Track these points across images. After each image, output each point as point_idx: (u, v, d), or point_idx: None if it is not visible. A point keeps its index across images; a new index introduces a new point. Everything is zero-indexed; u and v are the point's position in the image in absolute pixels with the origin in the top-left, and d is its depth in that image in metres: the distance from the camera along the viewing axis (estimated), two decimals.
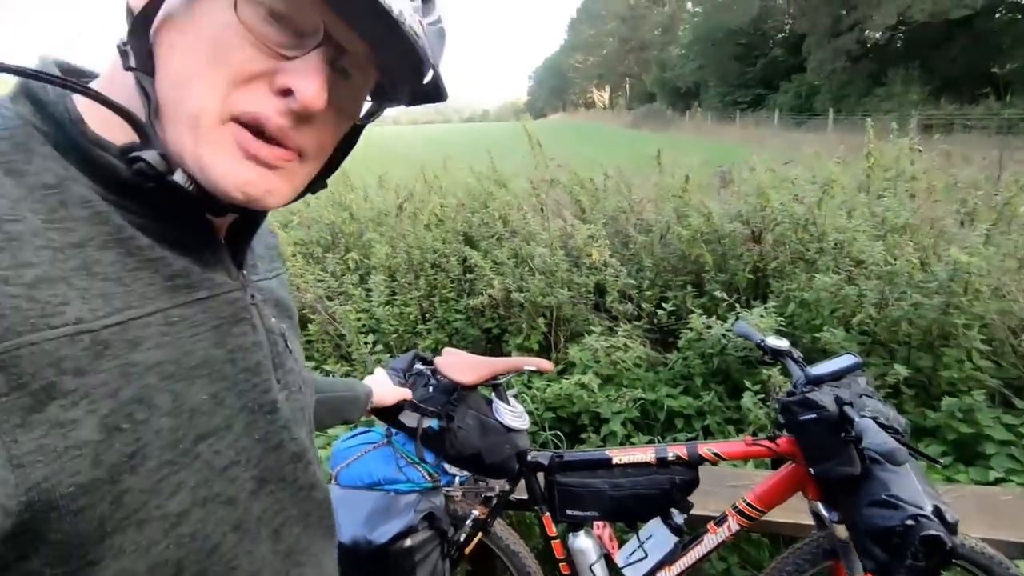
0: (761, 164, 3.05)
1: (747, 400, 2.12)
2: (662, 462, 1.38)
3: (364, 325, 2.82)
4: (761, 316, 2.19)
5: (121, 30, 0.40)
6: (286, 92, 0.40)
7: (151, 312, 0.39)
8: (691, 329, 2.38)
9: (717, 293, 2.51)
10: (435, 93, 0.47)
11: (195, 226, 0.45)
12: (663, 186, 3.15)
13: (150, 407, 0.38)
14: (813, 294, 2.32)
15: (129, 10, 0.39)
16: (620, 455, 1.41)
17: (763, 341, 1.45)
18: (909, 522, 0.99)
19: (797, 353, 1.41)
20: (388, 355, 2.76)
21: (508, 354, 2.72)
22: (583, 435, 2.31)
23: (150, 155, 0.38)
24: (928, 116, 14.13)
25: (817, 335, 2.21)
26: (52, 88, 0.39)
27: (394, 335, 2.83)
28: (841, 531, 1.24)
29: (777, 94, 26.41)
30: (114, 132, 0.39)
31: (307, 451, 0.54)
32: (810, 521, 1.34)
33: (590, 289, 2.71)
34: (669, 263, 2.83)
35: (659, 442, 2.25)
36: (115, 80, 0.40)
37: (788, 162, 3.08)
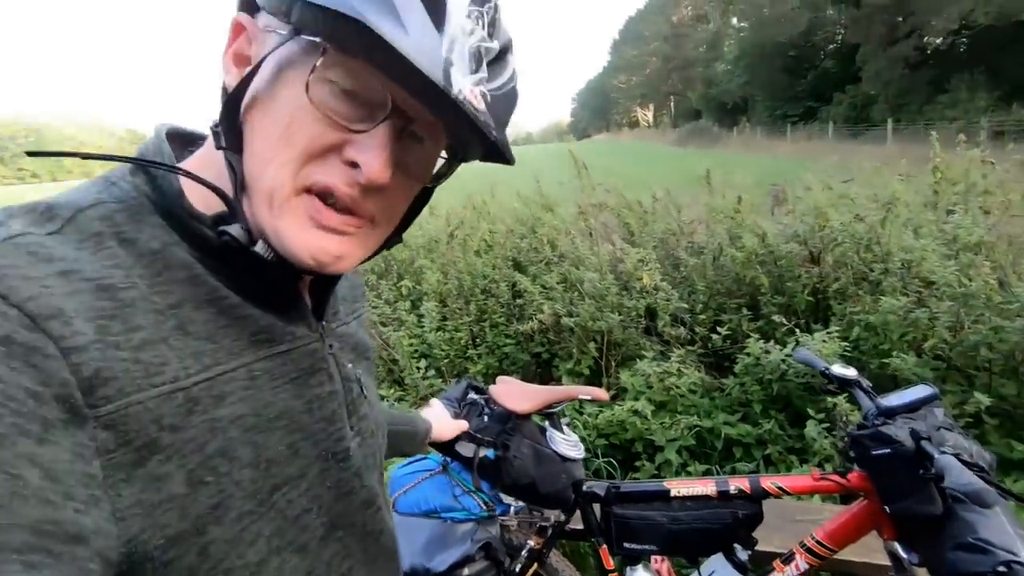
0: (818, 182, 2.96)
1: (811, 429, 2.03)
2: (723, 495, 1.33)
3: (416, 350, 2.88)
4: (823, 341, 2.10)
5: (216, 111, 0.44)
6: (355, 164, 0.42)
7: (236, 367, 0.42)
8: (748, 354, 2.30)
9: (775, 317, 2.43)
10: (500, 154, 0.48)
11: (279, 284, 0.47)
12: (714, 207, 3.09)
13: (232, 459, 0.40)
14: (880, 317, 2.21)
15: (224, 89, 0.43)
16: (679, 487, 1.37)
17: (828, 369, 1.38)
18: (1001, 568, 0.92)
19: (866, 382, 1.34)
20: (440, 380, 2.80)
21: (558, 379, 2.71)
22: (637, 463, 2.26)
23: (234, 229, 0.42)
24: (998, 123, 13.33)
25: (886, 361, 2.09)
26: (164, 156, 0.44)
27: (445, 360, 2.88)
28: (922, 574, 1.16)
29: (830, 106, 25.56)
30: (210, 203, 0.43)
31: (377, 497, 0.55)
32: (885, 561, 1.26)
33: (641, 313, 2.68)
34: (723, 286, 2.77)
35: (717, 472, 2.17)
36: (212, 156, 0.44)
37: (847, 181, 2.97)
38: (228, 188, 0.43)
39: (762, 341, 2.29)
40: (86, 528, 0.32)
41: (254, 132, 0.42)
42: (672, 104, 57.45)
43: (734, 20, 37.54)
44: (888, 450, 1.10)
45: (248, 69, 0.42)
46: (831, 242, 2.53)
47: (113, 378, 0.35)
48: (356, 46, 0.38)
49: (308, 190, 0.42)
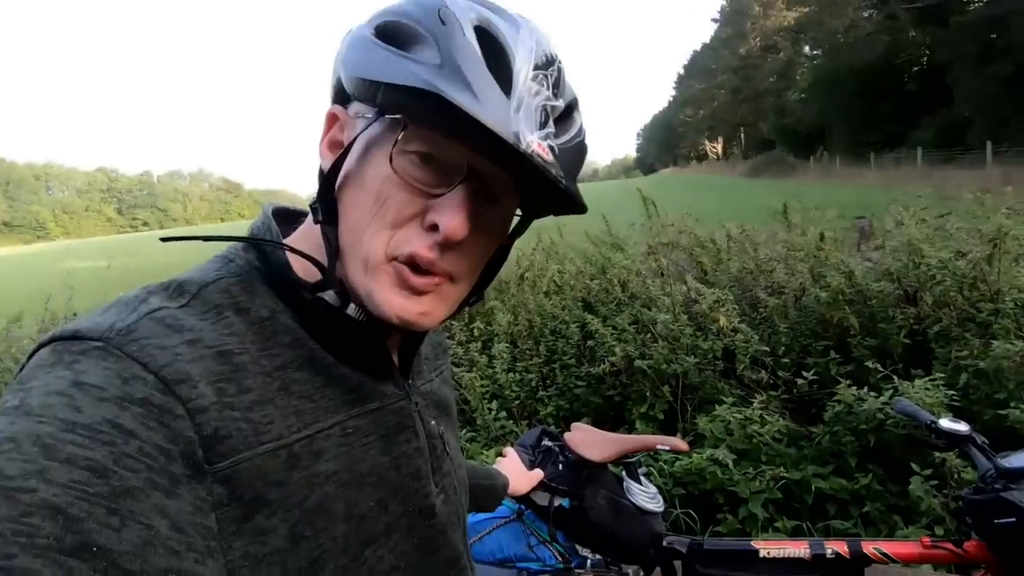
0: (910, 215, 2.76)
1: (916, 487, 1.85)
2: (819, 559, 1.23)
3: (487, 391, 2.90)
4: (926, 389, 1.93)
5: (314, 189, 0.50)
6: (435, 227, 0.45)
7: (331, 425, 0.45)
8: (839, 401, 2.15)
9: (868, 361, 2.26)
10: (572, 204, 0.50)
11: (369, 345, 0.50)
12: (793, 244, 2.96)
13: (328, 515, 0.43)
14: (992, 363, 2.00)
15: (320, 171, 0.49)
16: (768, 547, 1.28)
17: (935, 423, 1.27)
18: None
19: (980, 438, 1.21)
20: (510, 421, 2.80)
21: (632, 423, 2.64)
22: (719, 515, 2.14)
23: (328, 295, 0.46)
24: None
25: (1002, 412, 1.89)
26: (271, 233, 0.49)
27: (516, 402, 2.88)
28: None
29: (918, 130, 24.01)
30: (312, 272, 0.48)
31: (461, 556, 0.56)
32: None
33: (718, 355, 2.58)
34: (807, 327, 2.62)
35: (809, 530, 2.01)
36: (312, 229, 0.49)
37: (945, 214, 2.76)
38: (324, 258, 0.47)
39: (854, 387, 2.13)
40: None
41: (347, 206, 0.47)
42: (742, 135, 56.11)
43: (806, 48, 36.49)
44: (1014, 519, 0.99)
45: (340, 151, 0.47)
46: (929, 280, 2.35)
47: (228, 436, 0.38)
48: (433, 117, 0.42)
49: (395, 259, 0.46)
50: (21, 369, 0.38)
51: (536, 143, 0.43)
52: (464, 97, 0.40)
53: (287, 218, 0.56)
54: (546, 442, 1.46)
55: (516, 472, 1.21)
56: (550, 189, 0.45)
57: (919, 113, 24.67)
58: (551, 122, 0.45)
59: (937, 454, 1.84)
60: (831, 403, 2.20)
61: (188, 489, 0.35)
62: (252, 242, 0.49)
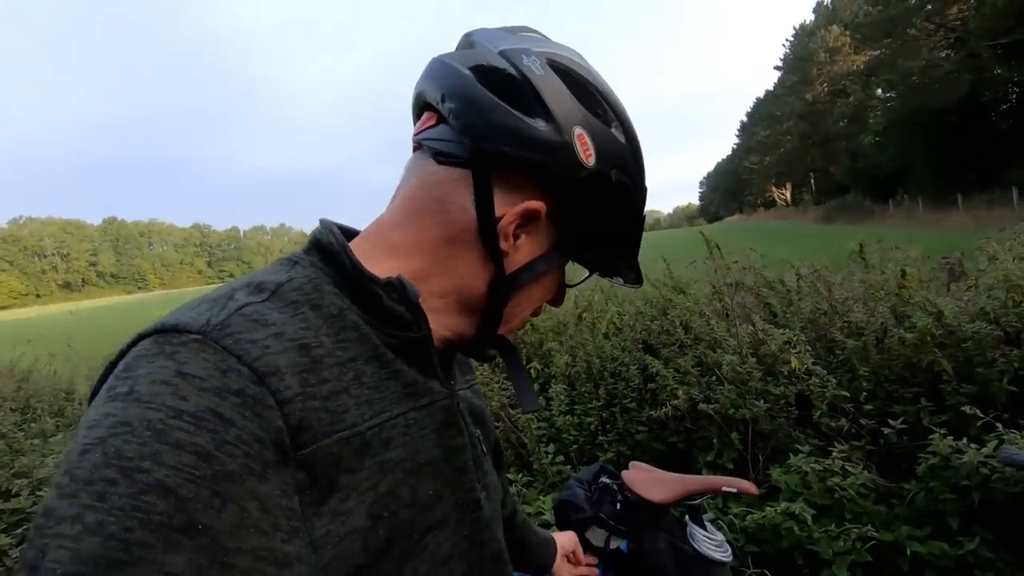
0: (1006, 250, 2.54)
1: None
2: None
3: (545, 434, 2.83)
4: None
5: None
6: (551, 301, 0.65)
7: (396, 415, 0.48)
8: (933, 453, 1.93)
9: (965, 408, 2.04)
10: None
11: (421, 343, 0.52)
12: (872, 283, 2.77)
13: (397, 499, 0.45)
14: None
15: (490, 236, 0.54)
16: None
17: None
18: None
19: None
20: (568, 466, 2.71)
21: (697, 472, 2.48)
22: None
23: (401, 311, 0.50)
24: None
25: None
26: (336, 240, 0.52)
27: (574, 446, 2.79)
28: None
29: (1012, 170, 22.31)
30: (384, 272, 0.51)
31: (503, 552, 0.57)
32: None
33: (791, 401, 2.41)
34: (891, 371, 2.41)
35: None
36: (447, 270, 0.55)
37: None
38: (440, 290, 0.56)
39: (951, 437, 1.92)
40: (290, 555, 0.37)
41: (522, 291, 0.58)
42: (812, 181, 54.21)
43: (878, 91, 35.31)
44: None
45: (531, 256, 0.56)
46: None
47: (310, 426, 0.41)
48: (626, 257, 0.64)
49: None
50: (120, 357, 0.41)
51: None
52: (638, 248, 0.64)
53: (343, 232, 0.59)
54: (604, 479, 1.40)
55: (559, 535, 1.15)
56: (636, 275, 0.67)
57: (1011, 152, 23.00)
58: None
59: None
60: (924, 455, 1.98)
61: (276, 474, 0.38)
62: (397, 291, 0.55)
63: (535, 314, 0.64)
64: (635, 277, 0.66)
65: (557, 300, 0.65)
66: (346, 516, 0.41)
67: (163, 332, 0.40)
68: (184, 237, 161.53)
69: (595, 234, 0.58)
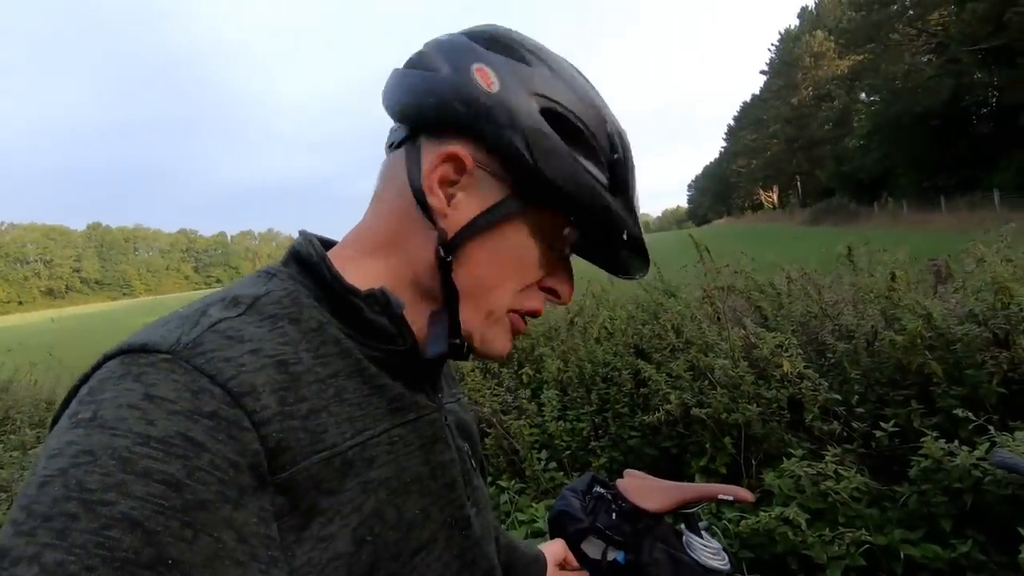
0: (993, 252, 2.56)
1: None
2: None
3: (537, 440, 2.81)
4: None
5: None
6: (551, 290, 0.56)
7: (380, 432, 0.45)
8: (925, 455, 1.94)
9: (957, 411, 2.05)
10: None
11: (406, 356, 0.50)
12: (862, 286, 2.79)
13: (382, 520, 0.43)
14: None
15: (421, 202, 0.49)
16: None
17: None
18: None
19: None
20: (561, 472, 2.69)
21: (691, 477, 2.47)
22: None
23: (383, 322, 0.48)
24: None
25: None
26: (315, 251, 0.49)
27: (567, 452, 2.77)
28: None
29: (993, 173, 22.72)
30: (366, 284, 0.49)
31: (496, 569, 0.55)
32: None
33: (783, 405, 2.41)
34: (882, 374, 2.42)
35: None
36: (395, 251, 0.52)
37: None
38: (403, 287, 0.51)
39: (943, 440, 1.92)
40: None
41: (474, 257, 0.50)
42: (799, 184, 54.87)
43: (862, 95, 35.83)
44: None
45: (472, 205, 0.49)
46: (1022, 322, 2.14)
47: (289, 447, 0.38)
48: (598, 230, 0.52)
49: (514, 311, 0.54)
50: (85, 380, 0.39)
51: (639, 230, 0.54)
52: (631, 223, 0.52)
53: (326, 244, 0.58)
54: (597, 488, 1.38)
55: (545, 545, 1.13)
56: (644, 261, 0.59)
57: (993, 155, 23.45)
58: None
59: None
60: (916, 458, 1.98)
61: (253, 500, 0.36)
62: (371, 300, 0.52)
63: (534, 313, 0.55)
64: (633, 251, 0.56)
65: (559, 290, 0.56)
66: (328, 542, 0.39)
67: (130, 352, 0.38)
68: (170, 242, 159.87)
69: (543, 179, 0.48)
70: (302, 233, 0.53)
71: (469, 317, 0.51)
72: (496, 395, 3.08)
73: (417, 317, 0.51)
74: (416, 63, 0.52)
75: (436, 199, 0.49)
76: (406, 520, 0.45)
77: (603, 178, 0.50)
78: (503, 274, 0.51)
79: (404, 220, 0.51)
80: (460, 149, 0.48)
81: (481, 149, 0.48)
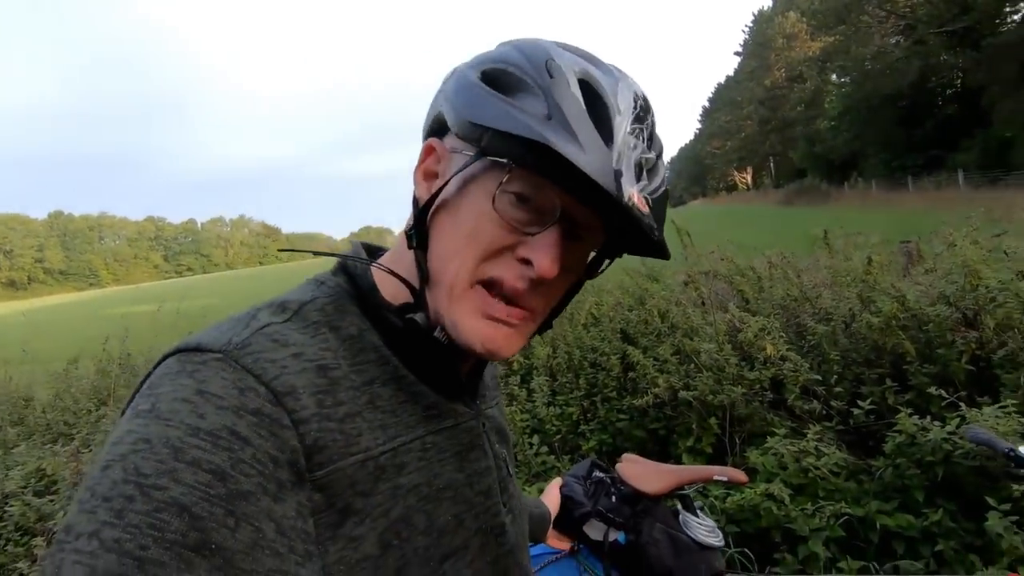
0: (963, 236, 2.67)
1: (994, 523, 1.72)
2: None
3: (528, 426, 2.87)
4: (996, 417, 1.82)
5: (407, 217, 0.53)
6: (526, 261, 0.47)
7: (412, 439, 0.47)
8: (900, 431, 2.05)
9: (930, 388, 2.15)
10: (660, 251, 0.51)
11: (444, 365, 0.51)
12: (839, 269, 2.89)
13: (411, 526, 0.44)
14: None
15: (415, 200, 0.51)
16: None
17: (1013, 451, 1.20)
18: None
19: None
20: (552, 456, 2.75)
21: (678, 457, 2.55)
22: (776, 555, 2.03)
23: (419, 316, 0.49)
24: None
25: None
26: (360, 265, 0.52)
27: (557, 436, 2.83)
28: None
29: (957, 153, 23.38)
30: (398, 296, 0.50)
31: None
32: None
33: (765, 386, 2.50)
34: (859, 354, 2.52)
35: (876, 571, 1.89)
36: (404, 256, 0.52)
37: (1000, 234, 2.66)
38: (415, 282, 0.50)
39: (916, 416, 2.03)
40: None
41: (439, 235, 0.49)
42: (772, 165, 55.64)
43: (833, 77, 36.33)
44: None
45: (439, 183, 0.49)
46: (989, 302, 2.25)
47: (325, 447, 0.40)
48: (539, 165, 0.44)
49: (480, 282, 0.48)
50: (148, 376, 0.42)
51: (636, 195, 0.45)
52: (571, 148, 0.42)
53: (371, 252, 0.59)
54: (597, 473, 1.43)
55: (546, 494, 1.20)
56: (641, 236, 0.47)
57: (957, 136, 24.09)
58: (645, 173, 0.48)
59: (1015, 486, 1.72)
60: (891, 434, 2.09)
61: (292, 495, 0.37)
62: (347, 258, 0.53)
63: (503, 284, 0.48)
64: (654, 245, 0.50)
65: (532, 257, 0.47)
66: (359, 542, 0.40)
67: (186, 351, 0.41)
68: (138, 230, 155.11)
69: (484, 127, 0.45)
70: (352, 243, 0.56)
71: (435, 300, 0.49)
72: (502, 396, 3.11)
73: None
74: None
75: (421, 188, 0.52)
76: (437, 526, 0.46)
77: (542, 109, 0.44)
78: (459, 242, 0.48)
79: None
80: (433, 140, 0.52)
81: (449, 137, 0.51)
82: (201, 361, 0.39)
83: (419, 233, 0.49)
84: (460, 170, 0.48)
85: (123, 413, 0.41)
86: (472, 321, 0.48)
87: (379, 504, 0.42)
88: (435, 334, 0.49)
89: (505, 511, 0.54)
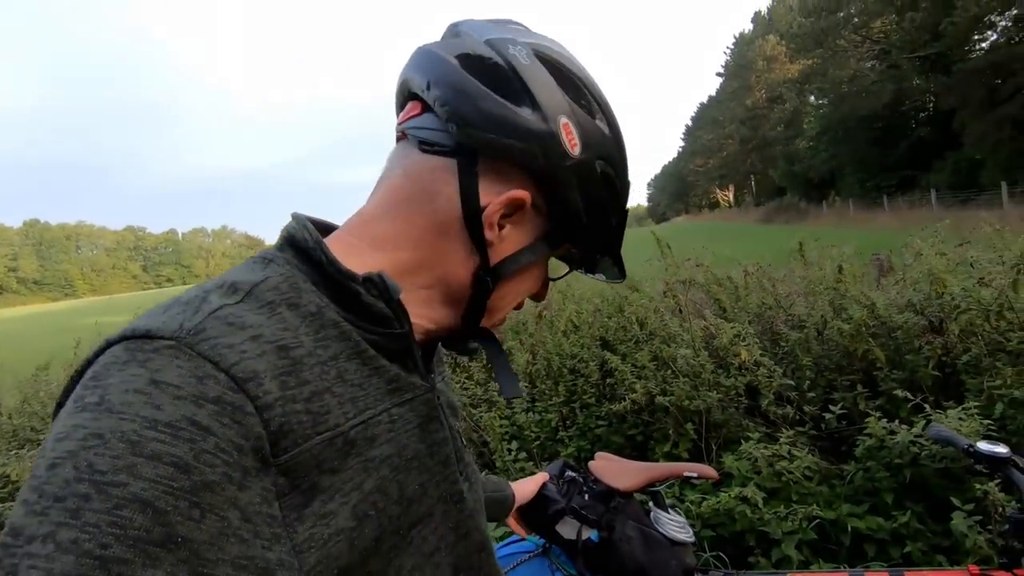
0: (929, 247, 2.76)
1: (959, 523, 1.76)
2: None
3: (507, 432, 2.86)
4: (960, 419, 1.87)
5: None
6: (535, 296, 0.64)
7: (380, 411, 0.47)
8: (869, 435, 2.09)
9: (897, 392, 2.20)
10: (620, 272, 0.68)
11: (402, 340, 0.52)
12: (812, 278, 2.95)
13: (385, 496, 0.45)
14: None
15: (479, 235, 0.54)
16: None
17: (973, 447, 1.23)
18: None
19: (1023, 460, 1.18)
20: (530, 463, 2.75)
21: (656, 462, 2.57)
22: (750, 558, 2.04)
23: (379, 306, 0.49)
24: None
25: None
26: (310, 235, 0.49)
27: (536, 443, 2.83)
28: None
29: (930, 174, 24.09)
30: (364, 268, 0.50)
31: (487, 541, 0.58)
32: None
33: (740, 392, 2.53)
34: (831, 361, 2.58)
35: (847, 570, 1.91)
36: (382, 259, 0.53)
37: (964, 243, 2.75)
38: (409, 272, 0.54)
39: (885, 420, 2.07)
40: (271, 562, 0.37)
41: (506, 283, 0.57)
42: (753, 183, 56.70)
43: (811, 98, 37.30)
44: None
45: (523, 246, 0.56)
46: (954, 310, 2.32)
47: (291, 430, 0.40)
48: (605, 251, 0.63)
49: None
50: (87, 364, 0.39)
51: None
52: (619, 243, 0.63)
53: (318, 227, 0.57)
54: (569, 473, 1.43)
55: (519, 483, 1.20)
56: (620, 270, 0.67)
57: (930, 157, 24.83)
58: None
59: (978, 486, 1.76)
60: (862, 438, 2.13)
61: (256, 481, 0.37)
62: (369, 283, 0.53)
63: (518, 307, 0.64)
64: (618, 272, 0.66)
65: (541, 294, 0.65)
66: (330, 518, 0.41)
67: (134, 338, 0.39)
68: (116, 240, 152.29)
69: (581, 227, 0.57)
70: (295, 217, 0.53)
71: (483, 324, 0.59)
72: (466, 388, 3.11)
73: (415, 305, 0.53)
74: (483, 71, 0.52)
75: (492, 233, 0.53)
76: (407, 495, 0.47)
77: (615, 220, 0.60)
78: (520, 292, 0.60)
79: (442, 232, 0.52)
80: (525, 194, 0.52)
81: (540, 194, 0.54)
82: (153, 349, 0.37)
83: (492, 277, 0.56)
84: (539, 245, 0.57)
85: (58, 405, 0.39)
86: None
87: (350, 479, 0.43)
88: (395, 328, 0.50)
89: (463, 479, 0.56)
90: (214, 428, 0.36)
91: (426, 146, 0.53)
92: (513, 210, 0.52)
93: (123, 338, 0.39)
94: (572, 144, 0.52)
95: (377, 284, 0.48)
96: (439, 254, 0.53)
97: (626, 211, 0.61)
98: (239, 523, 0.35)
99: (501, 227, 0.53)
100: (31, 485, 0.33)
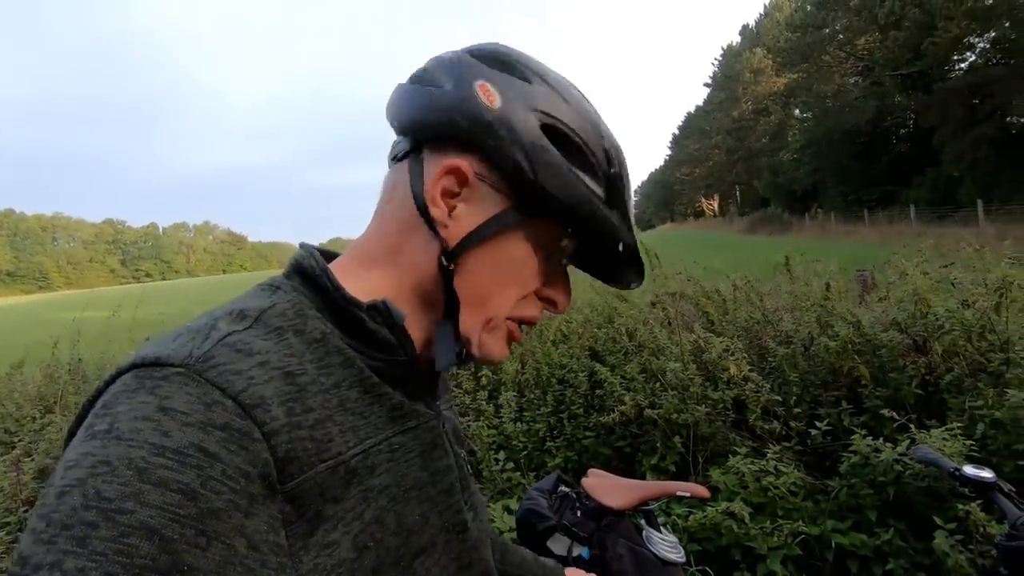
0: (914, 266, 2.81)
1: (941, 542, 1.79)
2: None
3: (494, 442, 2.85)
4: (944, 439, 1.90)
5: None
6: (548, 300, 0.58)
7: (381, 440, 0.47)
8: (854, 452, 2.11)
9: (883, 411, 2.24)
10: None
11: (406, 366, 0.51)
12: (799, 294, 2.99)
13: (383, 526, 0.45)
14: (1008, 413, 1.99)
15: (423, 212, 0.51)
16: None
17: (958, 471, 1.25)
18: None
19: (1008, 486, 1.20)
20: (517, 473, 2.74)
21: (642, 475, 2.57)
22: (735, 573, 2.06)
23: (384, 332, 0.49)
24: None
25: (1022, 463, 1.86)
26: (316, 263, 0.50)
27: (524, 453, 2.82)
28: None
29: (910, 189, 24.64)
30: (369, 296, 0.50)
31: (492, 571, 0.58)
32: None
33: (728, 406, 2.55)
34: (817, 377, 2.61)
35: None
36: (379, 261, 0.53)
37: (947, 265, 2.81)
38: (407, 290, 0.53)
39: (869, 437, 2.10)
40: None
41: (474, 268, 0.52)
42: (738, 193, 57.45)
43: (796, 111, 37.95)
44: None
45: (474, 219, 0.51)
46: (937, 330, 2.36)
47: (296, 457, 0.40)
48: (596, 239, 0.55)
49: (512, 319, 0.55)
50: (99, 394, 0.39)
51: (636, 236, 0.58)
52: (626, 235, 0.55)
53: (328, 256, 0.58)
54: (563, 488, 1.43)
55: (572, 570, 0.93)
56: (638, 270, 0.62)
57: (910, 173, 25.38)
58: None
59: (960, 506, 1.79)
60: (847, 454, 2.16)
61: (263, 508, 0.37)
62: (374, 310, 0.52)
63: (531, 321, 0.57)
64: (636, 273, 0.61)
65: (557, 300, 0.58)
66: (333, 548, 0.40)
67: (144, 366, 0.39)
68: (95, 233, 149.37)
69: (542, 191, 0.50)
70: (303, 246, 0.54)
71: (468, 324, 0.53)
72: (454, 396, 3.09)
73: (417, 328, 0.53)
74: (420, 78, 0.54)
75: (438, 210, 0.50)
76: (406, 526, 0.47)
77: (600, 191, 0.52)
78: (502, 283, 0.53)
79: (406, 230, 0.52)
80: (462, 162, 0.50)
81: (483, 163, 0.50)
82: (162, 376, 0.38)
83: (450, 259, 0.51)
84: (504, 214, 0.51)
85: (70, 434, 0.39)
86: (499, 345, 0.56)
87: (351, 508, 0.43)
88: (398, 355, 0.50)
89: (467, 508, 0.56)
90: (221, 455, 0.36)
91: (393, 160, 0.57)
92: (458, 184, 0.51)
93: (133, 366, 0.39)
94: (490, 99, 0.49)
95: (381, 311, 0.49)
96: (408, 254, 0.52)
97: (613, 175, 0.53)
98: (245, 551, 0.35)
99: (454, 208, 0.51)
100: (39, 513, 0.33)
